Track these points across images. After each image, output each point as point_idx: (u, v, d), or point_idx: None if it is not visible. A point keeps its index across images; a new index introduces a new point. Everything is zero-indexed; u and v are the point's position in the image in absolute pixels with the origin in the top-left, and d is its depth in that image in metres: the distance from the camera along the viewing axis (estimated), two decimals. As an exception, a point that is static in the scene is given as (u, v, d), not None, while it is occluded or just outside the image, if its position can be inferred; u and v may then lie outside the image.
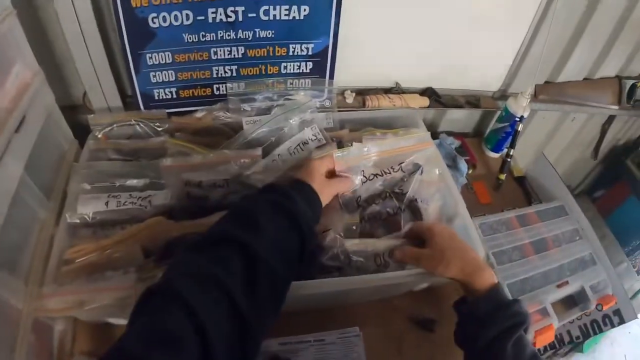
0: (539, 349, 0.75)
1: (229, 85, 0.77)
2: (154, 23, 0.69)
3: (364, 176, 0.64)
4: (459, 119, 1.03)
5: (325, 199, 0.56)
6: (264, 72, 0.78)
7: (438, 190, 0.69)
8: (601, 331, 0.79)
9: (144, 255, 0.58)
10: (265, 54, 0.76)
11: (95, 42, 0.70)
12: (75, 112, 0.80)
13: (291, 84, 0.80)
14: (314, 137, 0.72)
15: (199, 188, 0.66)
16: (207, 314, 0.36)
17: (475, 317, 0.53)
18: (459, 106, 0.94)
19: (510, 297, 0.61)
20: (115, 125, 0.74)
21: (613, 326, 0.79)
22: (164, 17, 0.68)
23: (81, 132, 0.76)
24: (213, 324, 0.36)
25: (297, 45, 0.77)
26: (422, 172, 0.67)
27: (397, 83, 0.91)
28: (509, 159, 0.94)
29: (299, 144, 0.70)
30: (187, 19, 0.69)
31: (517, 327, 0.50)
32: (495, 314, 0.51)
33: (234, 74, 0.77)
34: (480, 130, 1.09)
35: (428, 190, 0.68)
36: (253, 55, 0.76)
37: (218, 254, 0.42)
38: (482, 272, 0.54)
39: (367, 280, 0.56)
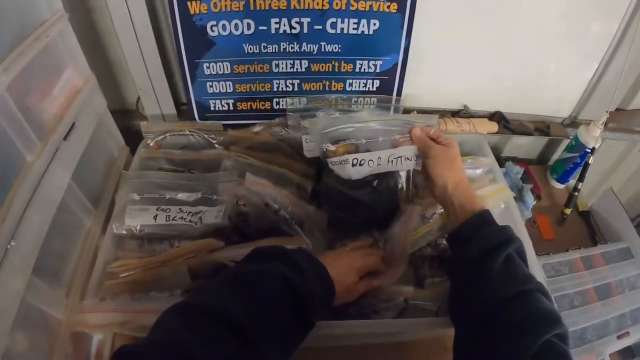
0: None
1: (289, 100, 0.72)
2: (213, 31, 0.66)
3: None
4: (524, 144, 0.96)
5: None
6: (327, 89, 0.74)
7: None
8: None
9: (191, 277, 0.56)
10: (330, 69, 0.72)
11: (150, 46, 0.67)
12: (127, 117, 0.78)
13: (355, 101, 0.75)
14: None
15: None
16: None
17: (460, 237, 0.50)
18: (528, 133, 0.87)
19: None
20: (168, 134, 0.71)
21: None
22: (223, 25, 0.65)
23: (132, 137, 0.74)
24: None
25: (364, 61, 0.72)
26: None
27: (465, 106, 0.85)
28: (576, 193, 0.87)
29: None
30: (249, 28, 0.66)
31: (504, 245, 0.46)
32: (479, 231, 0.48)
33: (296, 89, 0.73)
34: (544, 158, 1.02)
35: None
36: (317, 70, 0.72)
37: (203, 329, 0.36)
38: (474, 198, 0.53)
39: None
